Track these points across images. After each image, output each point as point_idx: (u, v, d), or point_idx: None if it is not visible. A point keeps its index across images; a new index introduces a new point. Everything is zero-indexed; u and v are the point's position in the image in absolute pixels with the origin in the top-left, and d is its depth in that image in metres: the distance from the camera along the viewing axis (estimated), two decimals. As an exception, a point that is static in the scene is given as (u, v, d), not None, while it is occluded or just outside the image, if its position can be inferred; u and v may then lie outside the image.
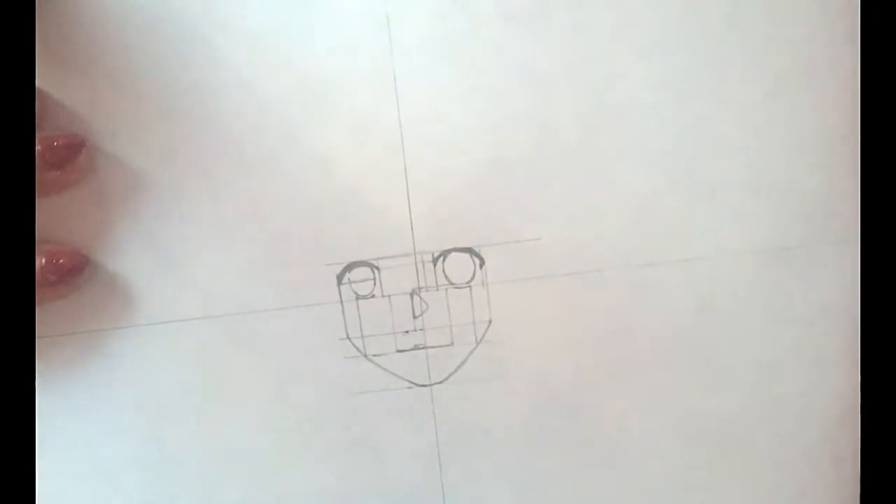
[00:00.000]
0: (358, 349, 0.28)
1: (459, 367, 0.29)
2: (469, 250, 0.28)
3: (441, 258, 0.28)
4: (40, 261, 0.25)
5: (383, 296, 0.28)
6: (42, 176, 0.25)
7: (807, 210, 0.28)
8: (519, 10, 0.27)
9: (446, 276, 0.28)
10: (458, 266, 0.28)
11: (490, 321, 0.28)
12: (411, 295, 0.28)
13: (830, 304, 0.29)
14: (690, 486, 0.29)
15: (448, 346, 0.29)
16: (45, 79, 0.27)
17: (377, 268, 0.28)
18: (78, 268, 0.27)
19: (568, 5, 0.27)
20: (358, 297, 0.28)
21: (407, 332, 0.29)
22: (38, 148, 0.24)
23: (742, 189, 0.28)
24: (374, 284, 0.28)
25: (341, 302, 0.28)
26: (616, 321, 0.28)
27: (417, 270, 0.28)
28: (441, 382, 0.29)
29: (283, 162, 0.28)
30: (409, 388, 0.29)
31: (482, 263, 0.28)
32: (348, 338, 0.28)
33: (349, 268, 0.28)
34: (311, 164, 0.28)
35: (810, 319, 0.29)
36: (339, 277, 0.28)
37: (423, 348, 0.29)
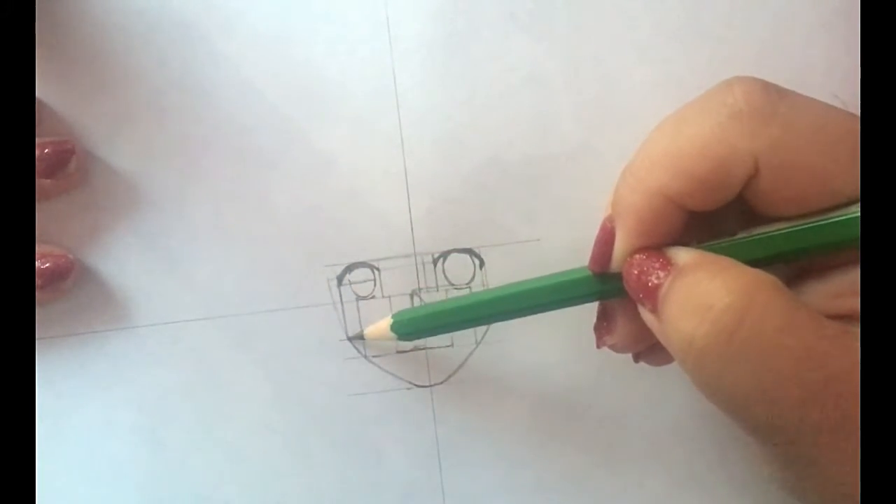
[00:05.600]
0: (358, 350, 0.28)
1: (459, 367, 0.29)
2: (469, 251, 0.28)
3: (441, 259, 0.28)
4: None
5: (384, 297, 0.28)
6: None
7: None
8: (519, 10, 0.27)
9: (446, 277, 0.28)
10: (458, 267, 0.28)
11: (490, 322, 0.28)
12: (412, 296, 0.28)
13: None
14: (690, 486, 0.29)
15: (448, 347, 0.29)
16: (43, 82, 0.27)
17: (377, 269, 0.28)
18: (64, 272, 0.26)
19: (568, 6, 0.27)
20: (358, 298, 0.28)
21: (407, 332, 0.29)
22: None
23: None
24: (375, 285, 0.28)
25: (342, 303, 0.28)
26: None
27: (418, 271, 0.28)
28: (441, 383, 0.29)
29: (283, 162, 0.28)
30: (409, 389, 0.29)
31: (482, 264, 0.28)
32: (348, 339, 0.28)
33: (349, 269, 0.28)
34: (311, 165, 0.28)
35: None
36: (340, 278, 0.28)
37: (423, 349, 0.29)
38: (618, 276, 0.22)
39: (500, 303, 0.24)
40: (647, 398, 0.29)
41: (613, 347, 0.24)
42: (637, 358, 0.25)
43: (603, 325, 0.24)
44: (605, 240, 0.22)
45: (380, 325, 0.27)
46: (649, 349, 0.24)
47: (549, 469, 0.29)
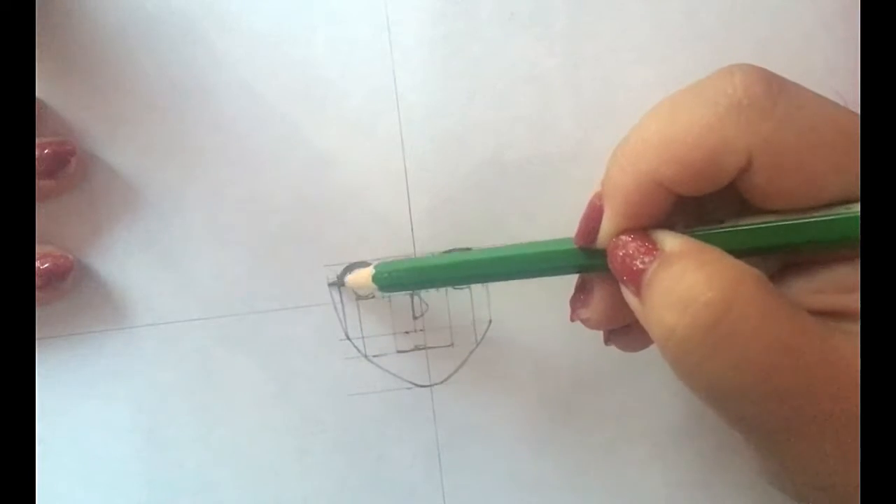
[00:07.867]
0: (358, 350, 0.28)
1: (460, 367, 0.29)
2: (469, 251, 0.28)
3: (441, 259, 0.28)
4: None
5: (383, 296, 0.28)
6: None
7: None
8: (519, 10, 0.27)
9: (446, 277, 0.28)
10: (459, 267, 0.28)
11: (490, 321, 0.28)
12: (411, 295, 0.28)
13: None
14: (691, 486, 0.29)
15: (448, 346, 0.29)
16: (43, 82, 0.27)
17: (377, 268, 0.28)
18: (63, 272, 0.26)
19: (568, 6, 0.27)
20: (358, 298, 0.28)
21: (407, 332, 0.29)
22: None
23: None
24: (375, 285, 0.28)
25: (342, 303, 0.28)
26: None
27: (418, 271, 0.28)
28: (441, 383, 0.29)
29: (283, 162, 0.28)
30: (409, 388, 0.29)
31: (482, 264, 0.28)
32: (348, 338, 0.28)
33: (349, 268, 0.28)
34: (311, 164, 0.28)
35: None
36: (340, 278, 0.28)
37: (423, 349, 0.29)
38: (601, 253, 0.22)
39: (481, 265, 0.24)
40: (648, 398, 0.29)
41: (587, 322, 0.24)
42: (608, 339, 0.25)
43: (579, 298, 0.24)
44: (592, 216, 0.21)
45: (362, 274, 0.27)
46: (622, 330, 0.24)
47: (549, 469, 0.29)
